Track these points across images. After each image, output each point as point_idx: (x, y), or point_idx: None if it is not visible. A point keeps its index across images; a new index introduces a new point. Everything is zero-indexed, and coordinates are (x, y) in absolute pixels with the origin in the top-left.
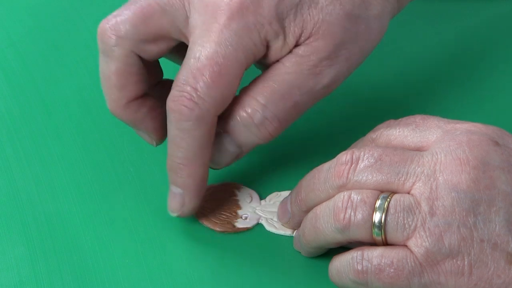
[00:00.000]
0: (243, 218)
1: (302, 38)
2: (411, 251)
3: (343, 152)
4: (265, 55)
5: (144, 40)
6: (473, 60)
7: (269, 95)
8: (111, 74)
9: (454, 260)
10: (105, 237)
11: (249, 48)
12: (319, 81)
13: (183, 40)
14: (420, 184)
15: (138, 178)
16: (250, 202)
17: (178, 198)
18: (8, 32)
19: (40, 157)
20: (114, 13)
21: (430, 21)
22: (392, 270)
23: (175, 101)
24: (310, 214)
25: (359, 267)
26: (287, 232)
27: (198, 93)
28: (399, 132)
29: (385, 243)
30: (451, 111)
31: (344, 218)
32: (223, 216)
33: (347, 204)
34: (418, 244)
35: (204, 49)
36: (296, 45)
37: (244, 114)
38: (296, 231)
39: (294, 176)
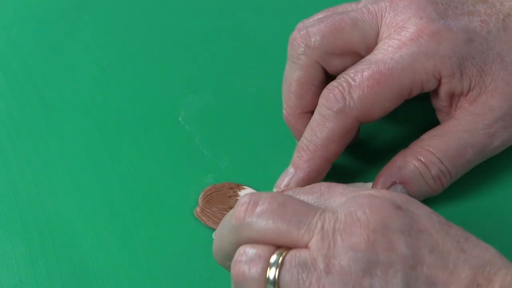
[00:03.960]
0: None
1: (477, 90)
2: None
3: (247, 194)
4: (436, 92)
5: (331, 53)
6: None
7: (445, 151)
8: (293, 81)
9: None
10: (105, 237)
11: (418, 73)
12: (492, 142)
13: None
14: (319, 239)
15: (138, 178)
16: None
17: (287, 176)
18: (8, 32)
19: (40, 157)
20: (307, 22)
21: None
22: None
23: (329, 88)
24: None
25: None
26: None
27: (351, 89)
28: (303, 199)
29: None
30: None
31: (238, 273)
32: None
33: (242, 258)
34: None
35: (376, 57)
36: (469, 97)
37: (422, 164)
38: None
39: None
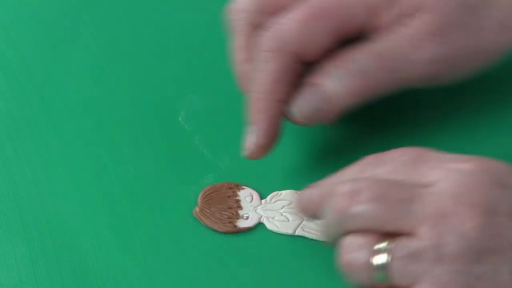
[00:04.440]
0: (244, 217)
1: (411, 10)
2: None
3: (344, 181)
4: (373, 26)
5: (266, 12)
6: None
7: (366, 53)
8: (236, 48)
9: None
10: (105, 237)
11: (354, 6)
12: (420, 55)
13: None
14: (427, 228)
15: (138, 178)
16: (251, 202)
17: (250, 135)
18: (8, 32)
19: (40, 157)
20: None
21: None
22: None
23: (266, 30)
24: None
25: None
26: (288, 231)
27: (285, 28)
28: (395, 172)
29: None
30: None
31: (345, 263)
32: (224, 216)
33: (348, 249)
34: None
35: None
36: (404, 15)
37: (338, 64)
38: (299, 228)
39: (294, 176)
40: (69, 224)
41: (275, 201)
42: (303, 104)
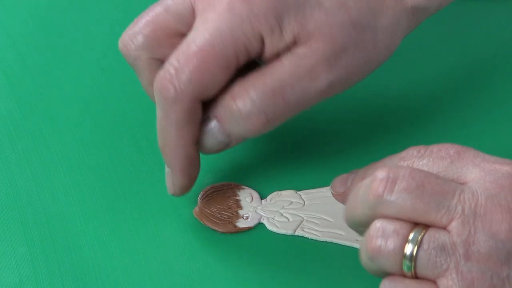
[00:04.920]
0: (244, 218)
1: (302, 38)
2: None
3: (383, 168)
4: (262, 52)
5: (157, 45)
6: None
7: (261, 89)
8: (145, 85)
9: None
10: (105, 237)
11: (240, 40)
12: (314, 84)
13: None
14: (459, 223)
15: (138, 178)
16: (251, 202)
17: (169, 177)
18: (8, 32)
19: (40, 157)
20: (126, 29)
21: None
22: None
23: (158, 81)
24: None
25: None
26: (288, 231)
27: (178, 75)
28: (433, 165)
29: (414, 277)
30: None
31: (374, 247)
32: (224, 216)
33: (379, 233)
34: (449, 285)
35: (196, 34)
36: (296, 44)
37: (233, 106)
38: (299, 228)
39: (294, 176)
40: (69, 224)
41: (275, 202)
42: (207, 140)
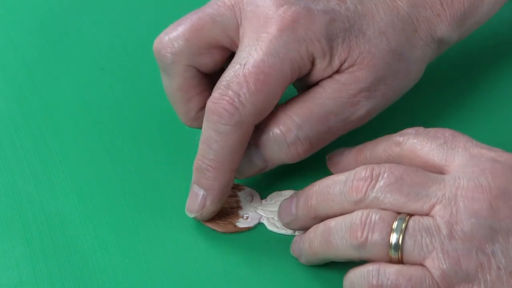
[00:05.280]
0: (244, 218)
1: (346, 64)
2: (429, 271)
3: (363, 167)
4: (309, 73)
5: (197, 53)
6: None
7: (306, 116)
8: (174, 90)
9: (470, 285)
10: (105, 237)
11: (296, 61)
12: (356, 111)
13: (236, 49)
14: (440, 207)
15: (138, 178)
16: (251, 202)
17: (200, 199)
18: (8, 32)
19: (40, 157)
20: (166, 30)
21: None
22: (409, 287)
23: (216, 103)
24: (322, 227)
25: (374, 282)
26: (288, 231)
27: (241, 99)
28: (426, 143)
29: (401, 262)
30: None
31: (361, 236)
32: (224, 216)
33: (365, 223)
34: (435, 265)
35: (251, 56)
36: (339, 70)
37: (278, 131)
38: (298, 236)
39: (294, 176)
40: (69, 224)
41: (275, 202)
42: (244, 165)
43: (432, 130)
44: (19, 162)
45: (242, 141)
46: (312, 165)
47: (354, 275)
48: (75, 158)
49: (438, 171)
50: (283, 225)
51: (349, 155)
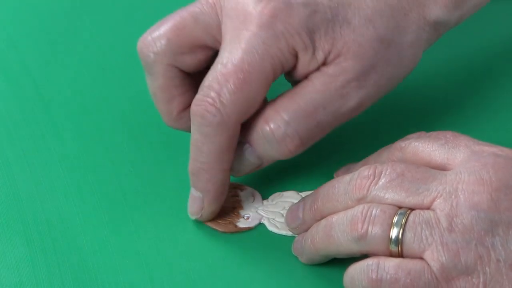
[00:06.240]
0: (245, 218)
1: (332, 56)
2: (428, 264)
3: (366, 166)
4: (294, 68)
5: (180, 52)
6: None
7: (294, 112)
8: (156, 90)
9: (469, 278)
10: (105, 237)
11: (277, 57)
12: (346, 103)
13: (219, 47)
14: (441, 201)
15: (138, 178)
16: (252, 202)
17: (198, 201)
18: (8, 32)
19: (40, 157)
20: (149, 30)
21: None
22: (408, 281)
23: (199, 105)
24: (324, 222)
25: (374, 276)
26: (289, 232)
27: (221, 99)
28: (428, 144)
29: (401, 256)
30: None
31: (361, 228)
32: (225, 216)
33: (366, 216)
34: (434, 258)
35: (231, 55)
36: (325, 62)
37: (267, 128)
38: (300, 235)
39: (296, 176)
40: (69, 224)
41: (277, 202)
42: (239, 163)
43: (434, 134)
44: (19, 162)
45: (229, 140)
46: (314, 166)
47: (354, 270)
48: (75, 158)
49: (441, 169)
50: (291, 231)
51: (355, 168)
